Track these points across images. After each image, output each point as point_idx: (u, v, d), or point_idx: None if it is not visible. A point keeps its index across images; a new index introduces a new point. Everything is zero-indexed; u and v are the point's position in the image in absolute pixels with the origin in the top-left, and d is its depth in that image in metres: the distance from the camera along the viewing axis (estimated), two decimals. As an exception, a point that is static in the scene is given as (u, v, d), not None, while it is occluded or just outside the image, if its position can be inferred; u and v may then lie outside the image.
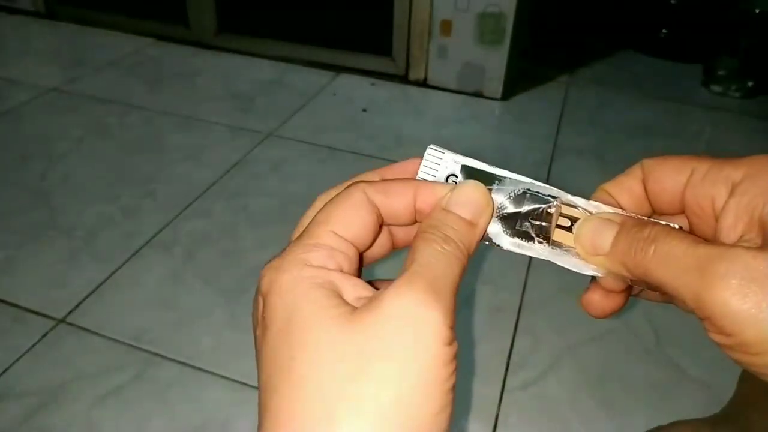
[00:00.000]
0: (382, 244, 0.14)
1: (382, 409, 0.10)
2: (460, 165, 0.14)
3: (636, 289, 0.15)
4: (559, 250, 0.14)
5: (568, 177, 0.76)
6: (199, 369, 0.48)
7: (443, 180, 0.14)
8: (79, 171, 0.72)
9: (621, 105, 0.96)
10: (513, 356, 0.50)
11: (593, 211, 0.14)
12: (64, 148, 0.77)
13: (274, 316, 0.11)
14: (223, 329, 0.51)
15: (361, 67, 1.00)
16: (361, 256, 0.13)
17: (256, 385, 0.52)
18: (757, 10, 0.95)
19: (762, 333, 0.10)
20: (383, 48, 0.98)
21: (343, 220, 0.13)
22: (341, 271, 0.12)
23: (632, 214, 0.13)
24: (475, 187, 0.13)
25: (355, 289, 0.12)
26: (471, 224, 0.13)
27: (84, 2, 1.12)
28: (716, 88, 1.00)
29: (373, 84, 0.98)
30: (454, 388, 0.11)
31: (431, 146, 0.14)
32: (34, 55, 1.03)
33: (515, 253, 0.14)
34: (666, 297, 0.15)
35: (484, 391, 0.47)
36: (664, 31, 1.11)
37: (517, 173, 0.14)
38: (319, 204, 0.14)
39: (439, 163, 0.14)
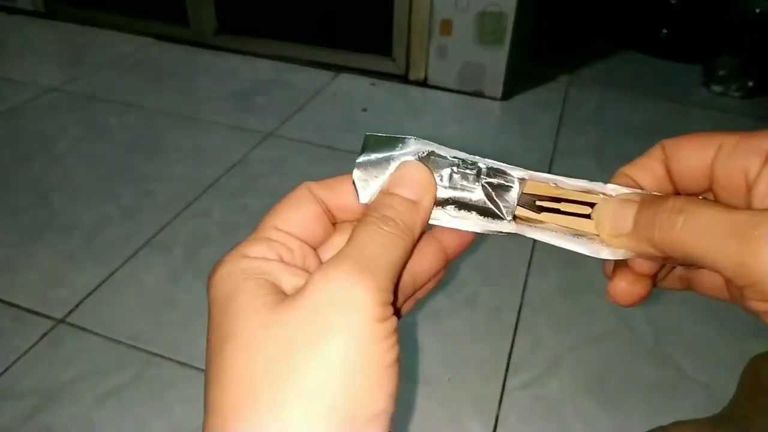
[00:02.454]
0: (430, 257, 0.14)
1: (307, 395, 0.10)
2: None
3: (662, 274, 0.14)
4: (573, 236, 0.13)
5: (568, 175, 0.75)
6: (199, 369, 0.48)
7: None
8: (79, 171, 0.72)
9: (621, 105, 0.96)
10: (513, 356, 0.50)
11: (612, 193, 0.13)
12: (63, 148, 0.77)
13: (212, 308, 0.11)
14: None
15: (361, 67, 1.00)
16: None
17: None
18: (758, 10, 0.95)
19: None
20: (383, 48, 0.98)
21: (285, 214, 0.13)
22: (282, 261, 0.12)
23: (652, 192, 0.13)
24: (415, 166, 0.13)
25: (294, 279, 0.12)
26: (412, 203, 0.13)
27: (83, 2, 1.12)
28: (717, 88, 1.00)
29: (373, 84, 0.98)
30: (396, 364, 0.11)
31: (368, 134, 0.14)
32: (33, 55, 1.03)
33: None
34: (686, 282, 0.15)
35: (485, 390, 0.47)
36: (664, 31, 1.11)
37: None
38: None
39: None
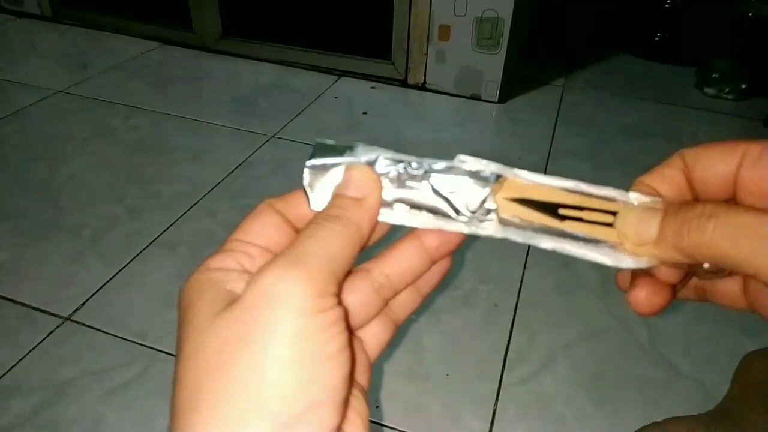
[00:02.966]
0: (408, 258, 0.14)
1: (242, 391, 0.10)
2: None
3: (679, 284, 0.14)
4: (593, 245, 0.13)
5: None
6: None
7: None
8: (85, 172, 0.73)
9: (616, 108, 0.97)
10: (510, 353, 0.51)
11: (634, 202, 0.13)
12: (70, 150, 0.78)
13: (178, 318, 0.12)
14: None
15: (362, 71, 1.01)
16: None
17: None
18: (750, 14, 0.96)
19: None
20: (383, 52, 0.99)
21: (246, 227, 0.13)
22: (244, 270, 0.12)
23: (675, 200, 0.13)
24: (358, 168, 0.13)
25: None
26: (356, 200, 0.13)
27: (89, 6, 1.13)
28: (710, 91, 1.01)
29: (373, 87, 0.99)
30: (339, 355, 0.11)
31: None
32: (40, 58, 1.04)
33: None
34: (701, 293, 0.15)
35: (482, 386, 0.48)
36: (658, 34, 1.12)
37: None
38: None
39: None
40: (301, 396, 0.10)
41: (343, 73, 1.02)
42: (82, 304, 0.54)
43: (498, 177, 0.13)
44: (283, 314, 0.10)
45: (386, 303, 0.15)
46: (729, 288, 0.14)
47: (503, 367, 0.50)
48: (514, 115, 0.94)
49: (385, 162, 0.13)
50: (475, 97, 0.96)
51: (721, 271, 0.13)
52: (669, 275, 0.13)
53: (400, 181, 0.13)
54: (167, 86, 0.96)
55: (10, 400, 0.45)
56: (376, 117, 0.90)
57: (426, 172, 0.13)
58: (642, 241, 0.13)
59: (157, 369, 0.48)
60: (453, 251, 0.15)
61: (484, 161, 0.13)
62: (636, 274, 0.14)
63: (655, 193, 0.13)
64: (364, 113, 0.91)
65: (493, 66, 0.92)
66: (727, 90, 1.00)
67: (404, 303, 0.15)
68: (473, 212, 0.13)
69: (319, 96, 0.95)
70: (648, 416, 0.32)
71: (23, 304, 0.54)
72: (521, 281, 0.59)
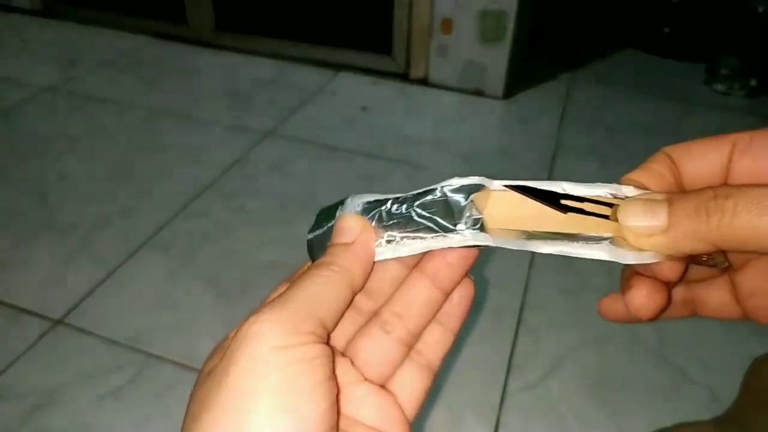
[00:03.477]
0: (413, 291, 0.14)
1: (215, 423, 0.11)
2: (361, 204, 0.14)
3: (675, 285, 0.14)
4: (593, 242, 0.12)
5: (570, 176, 0.75)
6: (197, 370, 0.47)
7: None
8: (77, 170, 0.72)
9: (623, 104, 0.95)
10: (514, 358, 0.50)
11: (629, 194, 0.13)
12: (61, 148, 0.76)
13: None
14: (221, 330, 0.51)
15: (361, 66, 0.99)
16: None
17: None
18: (760, 9, 0.94)
19: None
20: (383, 46, 0.97)
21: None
22: None
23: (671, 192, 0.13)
24: (344, 216, 0.14)
25: None
26: (345, 245, 0.13)
27: (81, 0, 1.12)
28: (719, 87, 0.99)
29: (373, 82, 0.97)
30: (318, 388, 0.11)
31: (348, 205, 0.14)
32: (31, 54, 1.03)
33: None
34: (690, 307, 0.14)
35: (486, 392, 0.47)
36: (666, 29, 1.10)
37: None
38: None
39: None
40: (281, 427, 0.11)
41: (341, 68, 1.00)
42: (74, 307, 0.53)
43: (481, 187, 0.13)
44: (255, 352, 0.11)
45: (407, 346, 0.14)
46: (719, 296, 0.14)
47: (507, 371, 0.49)
48: (518, 112, 0.92)
49: (372, 205, 0.14)
50: (479, 93, 0.94)
51: (722, 260, 0.13)
52: (671, 271, 0.13)
53: (389, 217, 0.14)
54: (161, 82, 0.94)
55: (1, 405, 0.44)
56: (376, 113, 0.89)
57: (410, 201, 0.14)
58: (650, 232, 0.12)
59: (149, 373, 0.47)
60: (459, 274, 0.14)
61: (467, 178, 0.13)
62: (630, 277, 0.13)
63: (645, 188, 0.13)
64: (364, 109, 0.89)
65: (497, 61, 0.90)
66: (736, 86, 0.98)
67: (433, 344, 0.15)
68: (458, 224, 0.13)
69: (317, 91, 0.94)
70: (656, 422, 0.31)
71: (13, 306, 0.52)
72: (526, 284, 0.57)
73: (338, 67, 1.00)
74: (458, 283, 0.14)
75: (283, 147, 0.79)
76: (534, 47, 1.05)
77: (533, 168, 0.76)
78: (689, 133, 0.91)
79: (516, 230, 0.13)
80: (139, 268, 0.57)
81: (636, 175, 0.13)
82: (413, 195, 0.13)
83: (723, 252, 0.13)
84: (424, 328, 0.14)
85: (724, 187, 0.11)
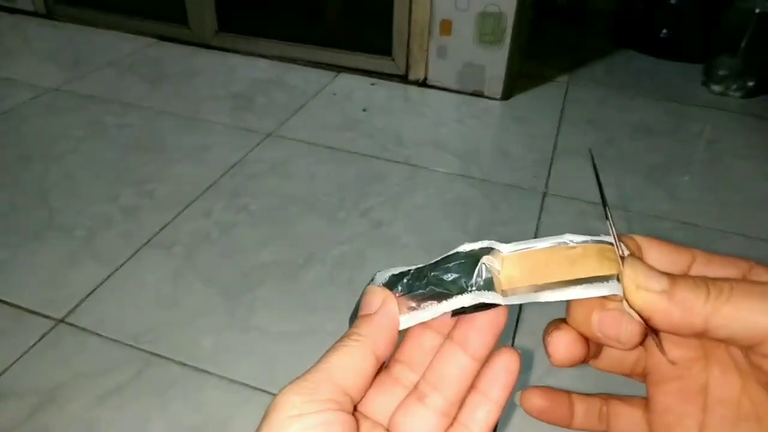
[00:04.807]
0: (443, 362, 0.15)
1: None
2: (387, 277, 0.15)
3: (579, 412, 0.15)
4: (590, 283, 0.13)
5: (568, 176, 0.75)
6: (199, 369, 0.48)
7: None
8: (79, 171, 0.72)
9: (621, 105, 0.96)
10: (513, 356, 0.50)
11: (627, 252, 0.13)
12: (63, 148, 0.77)
13: None
14: (222, 329, 0.51)
15: (361, 67, 1.00)
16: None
17: (255, 385, 0.52)
18: (757, 10, 0.95)
19: None
20: (383, 48, 0.98)
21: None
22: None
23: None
24: (367, 290, 0.15)
25: None
26: (368, 316, 0.14)
27: (83, 2, 1.12)
28: (716, 88, 1.00)
29: (373, 84, 0.98)
30: None
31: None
32: (33, 55, 1.03)
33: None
34: (604, 422, 0.15)
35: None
36: (664, 30, 1.11)
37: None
38: None
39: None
40: None
41: (342, 69, 1.00)
42: (76, 306, 0.53)
43: (491, 250, 0.14)
44: (276, 419, 0.12)
45: (448, 417, 0.14)
46: (632, 415, 0.15)
47: (506, 370, 0.49)
48: (517, 112, 0.92)
49: (396, 277, 0.15)
50: (478, 94, 0.95)
51: (659, 347, 0.13)
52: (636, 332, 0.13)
53: (409, 288, 0.14)
54: (162, 83, 0.95)
55: (3, 404, 0.44)
56: (376, 114, 0.89)
57: (428, 269, 0.14)
58: (647, 286, 0.12)
59: (151, 372, 0.47)
60: (488, 339, 0.14)
61: (478, 243, 0.14)
62: (555, 322, 0.14)
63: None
64: (364, 110, 0.90)
65: (495, 62, 0.91)
66: (734, 87, 0.99)
67: (479, 417, 0.14)
68: (471, 285, 0.14)
69: (317, 92, 0.94)
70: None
71: (15, 306, 0.53)
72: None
73: (338, 68, 1.01)
74: (490, 348, 0.14)
75: (284, 147, 0.80)
76: (533, 48, 1.05)
77: (532, 168, 0.76)
78: (687, 133, 0.92)
79: (526, 285, 0.13)
80: (141, 267, 0.58)
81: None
82: (431, 264, 0.14)
83: (660, 345, 0.13)
84: (463, 396, 0.14)
85: (725, 278, 0.12)
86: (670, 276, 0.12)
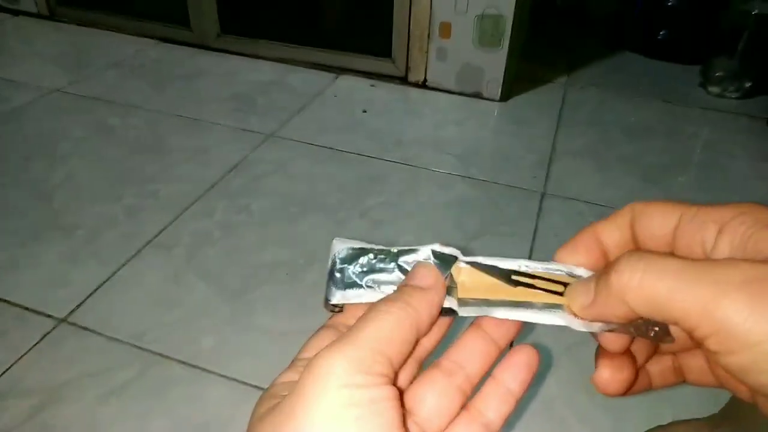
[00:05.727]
0: (468, 347, 0.16)
1: None
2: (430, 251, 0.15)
3: (655, 369, 0.15)
4: (548, 310, 0.14)
5: (566, 178, 0.76)
6: (201, 368, 0.48)
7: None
8: (82, 171, 0.73)
9: (619, 106, 0.96)
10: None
11: (583, 275, 0.14)
12: (66, 149, 0.77)
13: None
14: (224, 329, 0.52)
15: (362, 69, 1.00)
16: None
17: (257, 384, 0.52)
18: (755, 12, 0.96)
19: None
20: (383, 50, 0.98)
21: (309, 345, 0.15)
22: None
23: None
24: (421, 263, 0.14)
25: None
26: (420, 288, 0.13)
27: (86, 4, 1.13)
28: (714, 89, 1.00)
29: (373, 85, 0.98)
30: (390, 429, 0.11)
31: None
32: (37, 57, 1.04)
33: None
34: (679, 373, 0.15)
35: (484, 390, 0.48)
36: (661, 32, 1.11)
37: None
38: None
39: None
40: None
41: (342, 71, 1.01)
42: (78, 306, 0.53)
43: (455, 259, 0.14)
44: (325, 388, 0.11)
45: (465, 395, 0.15)
46: (697, 363, 0.15)
47: (505, 369, 0.49)
48: (516, 114, 0.93)
49: (356, 252, 0.14)
50: (477, 95, 0.95)
51: (667, 335, 0.13)
52: (615, 342, 0.14)
53: (371, 267, 0.14)
54: (165, 85, 0.95)
55: (5, 403, 0.44)
56: (376, 115, 0.90)
57: (394, 256, 0.15)
58: (583, 306, 0.13)
59: (153, 371, 0.47)
60: (507, 328, 0.15)
61: (447, 247, 0.15)
62: (597, 357, 0.14)
63: (582, 262, 0.14)
64: (364, 111, 0.90)
65: (494, 64, 0.91)
66: (731, 89, 0.99)
67: (493, 404, 0.15)
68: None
69: (318, 94, 0.95)
70: (652, 419, 0.32)
71: (18, 305, 0.53)
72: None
73: (339, 70, 1.01)
74: (510, 338, 0.15)
75: (285, 148, 0.80)
76: (531, 50, 1.06)
77: (531, 169, 0.77)
78: (684, 135, 0.93)
79: (479, 299, 0.14)
80: (143, 267, 0.58)
81: (600, 224, 0.14)
82: (399, 251, 0.14)
83: (665, 327, 0.13)
84: (482, 376, 0.15)
85: (638, 252, 0.12)
86: (598, 277, 0.13)
